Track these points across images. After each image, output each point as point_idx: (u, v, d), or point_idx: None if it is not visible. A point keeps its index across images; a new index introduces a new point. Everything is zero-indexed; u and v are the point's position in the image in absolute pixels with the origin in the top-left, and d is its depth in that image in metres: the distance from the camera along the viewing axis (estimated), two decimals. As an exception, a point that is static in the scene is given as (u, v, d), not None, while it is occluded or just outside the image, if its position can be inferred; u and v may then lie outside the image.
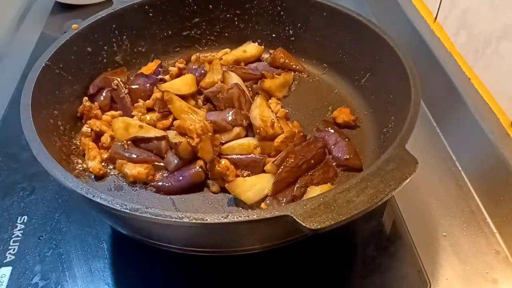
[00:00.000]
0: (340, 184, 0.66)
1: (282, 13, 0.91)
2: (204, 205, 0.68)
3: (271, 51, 0.93)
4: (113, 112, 0.79)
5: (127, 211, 0.49)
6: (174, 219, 0.48)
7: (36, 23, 1.18)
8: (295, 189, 0.66)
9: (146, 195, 0.69)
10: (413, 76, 0.67)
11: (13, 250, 0.67)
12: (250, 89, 0.83)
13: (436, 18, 0.90)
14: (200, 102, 0.81)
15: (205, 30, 0.94)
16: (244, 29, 0.94)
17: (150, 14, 0.88)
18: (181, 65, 0.86)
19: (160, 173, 0.72)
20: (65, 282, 0.64)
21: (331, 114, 0.80)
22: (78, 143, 0.75)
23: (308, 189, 0.67)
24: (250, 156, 0.71)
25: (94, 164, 0.71)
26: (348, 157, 0.71)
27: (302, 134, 0.74)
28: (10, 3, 1.27)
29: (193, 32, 0.93)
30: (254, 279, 0.64)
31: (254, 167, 0.70)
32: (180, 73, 0.85)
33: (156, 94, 0.79)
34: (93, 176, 0.71)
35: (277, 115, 0.77)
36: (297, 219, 0.46)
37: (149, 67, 0.89)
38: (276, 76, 0.87)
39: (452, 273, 0.65)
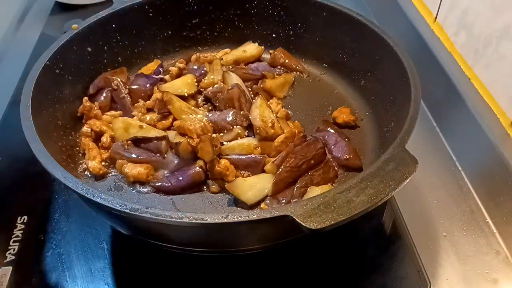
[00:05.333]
0: (340, 184, 0.66)
1: (282, 13, 0.91)
2: (204, 205, 0.68)
3: (271, 51, 0.93)
4: (113, 112, 0.80)
5: (127, 211, 0.49)
6: (174, 219, 0.48)
7: (36, 23, 1.18)
8: (295, 189, 0.66)
9: (146, 195, 0.69)
10: (413, 76, 0.67)
11: (13, 250, 0.67)
12: (250, 89, 0.83)
13: (436, 18, 0.90)
14: (200, 102, 0.82)
15: (205, 30, 0.94)
16: (244, 29, 0.94)
17: (150, 14, 0.88)
18: (181, 65, 0.86)
19: (160, 173, 0.72)
20: (65, 282, 0.64)
21: (331, 114, 0.80)
22: (78, 143, 0.75)
23: (308, 189, 0.67)
24: (250, 156, 0.71)
25: (94, 164, 0.71)
26: (348, 157, 0.71)
27: (302, 134, 0.74)
28: (10, 3, 1.27)
29: (193, 32, 0.93)
30: (254, 279, 0.64)
31: (254, 167, 0.70)
32: (180, 73, 0.85)
33: (157, 95, 0.79)
34: (93, 176, 0.71)
35: (278, 115, 0.77)
36: (297, 219, 0.46)
37: (149, 67, 0.89)
38: (276, 76, 0.87)
39: (452, 273, 0.65)
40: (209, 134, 0.72)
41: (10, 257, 0.67)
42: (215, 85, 0.81)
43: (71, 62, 0.78)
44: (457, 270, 0.65)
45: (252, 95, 0.81)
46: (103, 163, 0.72)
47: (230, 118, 0.74)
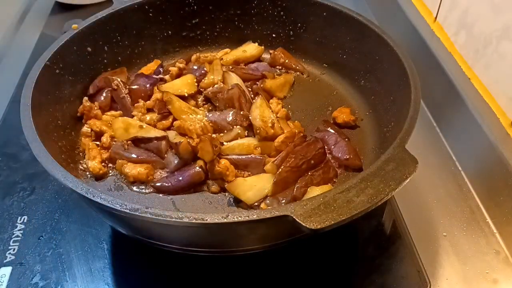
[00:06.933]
0: (340, 184, 0.66)
1: (282, 13, 0.91)
2: (204, 205, 0.68)
3: (271, 51, 0.93)
4: (113, 112, 0.80)
5: (127, 211, 0.49)
6: (174, 219, 0.48)
7: (36, 23, 1.18)
8: (295, 189, 0.66)
9: (146, 195, 0.69)
10: (413, 76, 0.67)
11: (13, 250, 0.67)
12: (250, 89, 0.83)
13: (436, 18, 0.90)
14: (200, 102, 0.82)
15: (205, 30, 0.94)
16: (244, 29, 0.94)
17: (150, 14, 0.88)
18: (181, 65, 0.86)
19: (160, 173, 0.72)
20: (65, 282, 0.64)
21: (331, 114, 0.80)
22: (78, 143, 0.75)
23: (308, 189, 0.67)
24: (250, 156, 0.71)
25: (94, 164, 0.71)
26: (348, 157, 0.71)
27: (302, 134, 0.74)
28: (10, 3, 1.27)
29: (193, 32, 0.93)
30: (254, 279, 0.64)
31: (254, 167, 0.70)
32: (180, 73, 0.85)
33: (157, 95, 0.79)
34: (93, 176, 0.71)
35: (278, 115, 0.77)
36: (297, 219, 0.46)
37: (149, 67, 0.89)
38: (276, 76, 0.87)
39: (452, 273, 0.65)
40: (209, 134, 0.72)
41: (10, 257, 0.67)
42: (215, 85, 0.81)
43: (71, 62, 0.77)
44: (457, 270, 0.65)
45: (252, 95, 0.81)
46: (103, 163, 0.72)
47: (230, 118, 0.74)
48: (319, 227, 0.46)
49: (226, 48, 0.95)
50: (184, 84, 0.82)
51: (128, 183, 0.71)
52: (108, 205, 0.50)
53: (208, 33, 0.94)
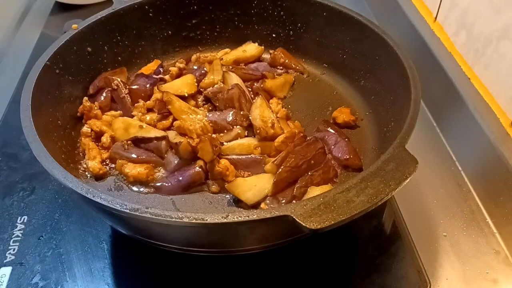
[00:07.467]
0: (340, 184, 0.66)
1: (282, 13, 0.91)
2: (204, 205, 0.68)
3: (271, 51, 0.93)
4: (113, 112, 0.80)
5: (127, 211, 0.49)
6: (174, 219, 0.48)
7: (36, 23, 1.18)
8: (295, 189, 0.66)
9: (146, 195, 0.69)
10: (413, 76, 0.67)
11: (13, 250, 0.67)
12: (250, 89, 0.83)
13: (436, 18, 0.90)
14: (200, 102, 0.82)
15: (205, 30, 0.94)
16: (244, 29, 0.94)
17: (150, 14, 0.88)
18: (181, 65, 0.86)
19: (160, 173, 0.72)
20: (65, 282, 0.64)
21: (331, 114, 0.80)
22: (78, 143, 0.75)
23: (308, 189, 0.67)
24: (250, 156, 0.71)
25: (94, 164, 0.71)
26: (348, 157, 0.71)
27: (302, 134, 0.74)
28: (10, 3, 1.27)
29: (193, 32, 0.93)
30: (254, 279, 0.64)
31: (254, 167, 0.70)
32: (180, 73, 0.85)
33: (157, 95, 0.79)
34: (93, 176, 0.71)
35: (278, 115, 0.77)
36: (297, 219, 0.46)
37: (149, 67, 0.89)
38: (276, 76, 0.87)
39: (452, 273, 0.65)
40: (209, 134, 0.72)
41: (10, 257, 0.67)
42: (215, 85, 0.81)
43: (71, 62, 0.77)
44: (457, 270, 0.65)
45: (252, 95, 0.81)
46: (103, 163, 0.72)
47: (230, 118, 0.74)
48: (319, 227, 0.46)
49: (226, 48, 0.95)
50: (184, 84, 0.82)
51: (128, 183, 0.71)
52: (108, 205, 0.50)
53: (208, 33, 0.94)
